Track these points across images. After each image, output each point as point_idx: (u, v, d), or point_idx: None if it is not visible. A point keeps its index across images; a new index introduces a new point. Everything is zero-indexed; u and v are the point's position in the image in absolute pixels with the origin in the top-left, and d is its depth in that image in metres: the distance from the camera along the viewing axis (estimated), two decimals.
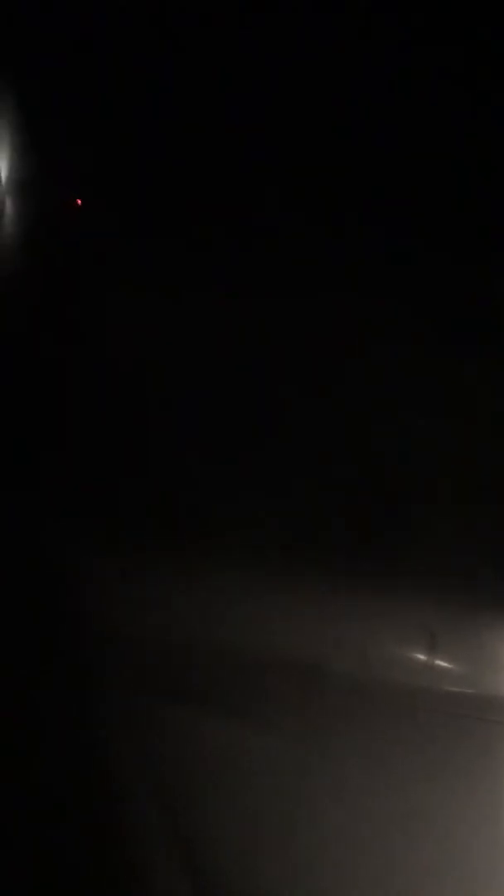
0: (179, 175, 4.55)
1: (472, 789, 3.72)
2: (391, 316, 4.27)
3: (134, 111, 4.56)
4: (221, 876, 3.65)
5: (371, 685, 3.79)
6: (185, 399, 4.44)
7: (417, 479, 4.19)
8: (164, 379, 4.46)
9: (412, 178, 4.31)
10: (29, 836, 3.58)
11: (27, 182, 4.87)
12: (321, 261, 4.37)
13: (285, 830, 3.69)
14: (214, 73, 4.44)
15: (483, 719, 3.77)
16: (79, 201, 4.83)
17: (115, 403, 4.44)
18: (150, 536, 4.12)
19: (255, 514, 4.11)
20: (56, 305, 4.67)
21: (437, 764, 3.72)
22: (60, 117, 4.65)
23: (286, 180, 4.41)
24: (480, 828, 3.69)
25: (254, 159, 4.46)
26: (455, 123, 4.25)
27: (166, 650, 3.88)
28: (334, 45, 4.22)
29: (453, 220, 4.30)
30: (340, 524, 4.07)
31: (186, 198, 4.55)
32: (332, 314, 4.34)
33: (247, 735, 3.74)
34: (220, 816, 3.71)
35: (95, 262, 4.68)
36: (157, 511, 4.16)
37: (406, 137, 4.29)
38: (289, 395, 4.35)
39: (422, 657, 3.80)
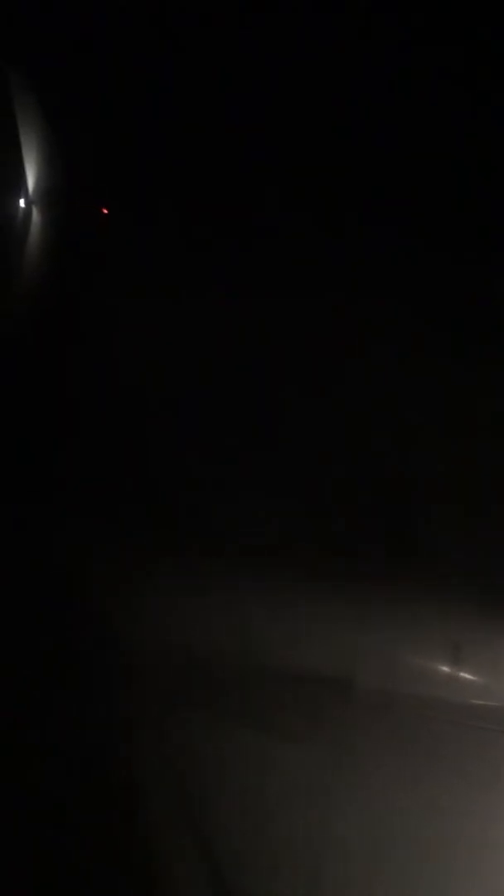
0: (182, 177, 4.55)
1: (494, 801, 3.70)
2: (391, 316, 4.27)
3: (136, 112, 4.57)
4: (241, 883, 3.64)
5: (394, 696, 3.77)
6: (192, 402, 4.44)
7: (445, 496, 4.19)
8: (173, 384, 4.46)
9: (412, 179, 4.31)
10: (33, 839, 3.57)
11: (53, 190, 4.91)
12: (321, 261, 4.38)
13: (307, 839, 3.66)
14: (215, 74, 4.43)
15: None
16: (104, 210, 4.88)
17: (125, 407, 4.44)
18: (165, 544, 4.10)
19: (283, 526, 4.12)
20: (79, 310, 4.69)
21: (459, 775, 3.68)
22: (83, 127, 4.69)
23: (286, 181, 4.41)
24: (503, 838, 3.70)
25: (254, 159, 4.46)
26: (455, 123, 4.24)
27: (193, 661, 3.84)
28: (334, 45, 4.21)
29: (453, 220, 4.30)
30: (364, 537, 4.08)
31: (190, 200, 4.55)
32: (332, 314, 4.34)
33: (270, 745, 3.70)
34: (240, 826, 3.68)
35: (111, 267, 4.70)
36: (171, 517, 4.15)
37: (406, 137, 4.28)
38: (302, 396, 4.36)
39: (445, 669, 3.81)
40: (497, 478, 4.15)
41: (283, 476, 4.24)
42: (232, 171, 4.49)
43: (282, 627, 3.90)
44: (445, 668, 3.81)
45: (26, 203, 5.05)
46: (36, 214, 5.00)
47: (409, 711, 3.77)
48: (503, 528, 4.06)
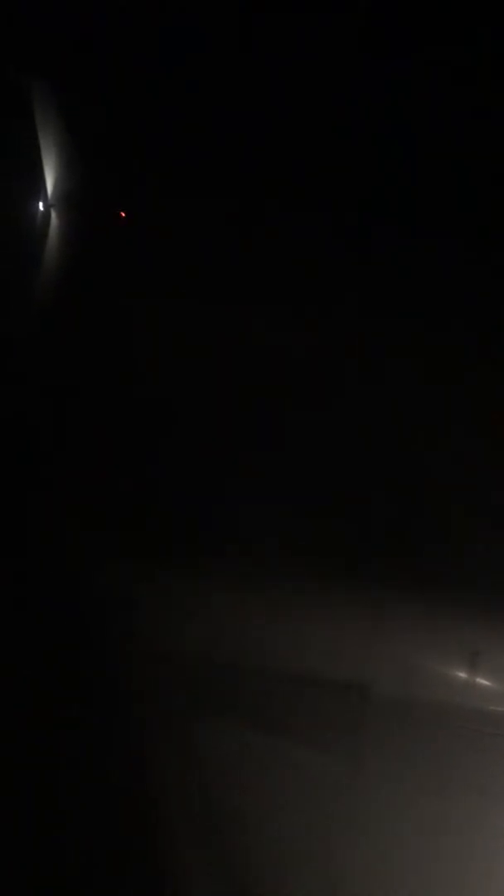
0: (201, 181, 4.58)
1: None
2: (396, 319, 4.25)
3: (155, 115, 4.61)
4: (262, 885, 3.66)
5: (412, 703, 3.77)
6: (202, 403, 4.46)
7: (460, 498, 4.16)
8: (186, 385, 4.49)
9: (416, 182, 4.28)
10: (41, 837, 3.62)
11: (72, 194, 4.99)
12: (329, 266, 4.37)
13: (325, 844, 3.67)
14: (232, 78, 4.44)
15: None
16: (122, 213, 4.95)
17: (135, 409, 4.48)
18: (188, 552, 4.11)
19: (301, 530, 4.12)
20: (95, 313, 4.75)
21: (474, 783, 3.69)
22: (102, 130, 4.75)
23: (298, 185, 4.40)
24: None
25: (270, 164, 4.46)
26: (458, 125, 4.20)
27: (207, 665, 3.87)
28: (335, 45, 4.20)
29: (458, 224, 4.26)
30: (382, 544, 4.06)
31: (208, 204, 4.57)
32: (337, 321, 4.33)
33: (288, 750, 3.74)
34: (259, 830, 3.70)
35: (128, 270, 4.75)
36: (193, 525, 4.17)
37: (417, 139, 4.25)
38: (308, 397, 4.36)
39: (463, 675, 3.80)
40: None
41: (294, 476, 4.24)
42: (250, 176, 4.51)
43: (325, 644, 3.89)
44: (462, 675, 3.78)
45: (45, 206, 5.13)
46: (55, 217, 5.08)
47: (423, 718, 3.75)
48: None
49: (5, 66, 4.91)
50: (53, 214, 5.08)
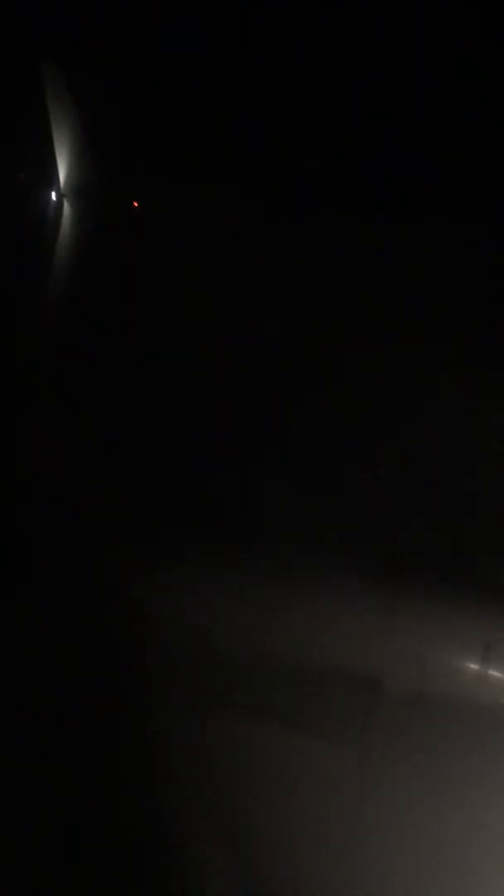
0: (213, 172, 4.57)
1: None
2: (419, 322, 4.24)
3: (169, 107, 4.60)
4: (273, 880, 3.71)
5: (427, 696, 3.82)
6: (216, 399, 4.48)
7: (469, 494, 4.15)
8: (198, 388, 4.50)
9: (432, 186, 4.23)
10: (57, 832, 3.68)
11: (84, 185, 5.03)
12: (352, 269, 4.34)
13: (340, 837, 3.71)
14: (254, 74, 4.40)
15: None
16: (135, 203, 4.99)
17: (144, 407, 4.51)
18: (203, 546, 4.14)
19: (313, 525, 4.13)
20: (107, 303, 4.78)
21: (491, 774, 3.75)
22: (115, 122, 4.76)
23: (325, 182, 4.37)
24: None
25: (286, 158, 4.45)
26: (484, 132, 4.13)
27: (221, 659, 3.92)
28: (338, 45, 4.16)
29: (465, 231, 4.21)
30: (397, 540, 4.08)
31: (219, 197, 4.57)
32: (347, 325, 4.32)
33: (304, 745, 3.78)
34: (274, 824, 3.74)
35: (139, 259, 4.78)
36: (211, 519, 4.19)
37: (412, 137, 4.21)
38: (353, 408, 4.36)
39: (476, 668, 3.81)
40: None
41: (341, 489, 4.26)
42: (257, 169, 4.50)
43: (339, 638, 3.92)
44: (474, 667, 3.83)
45: (58, 196, 5.19)
46: (67, 207, 5.13)
47: (434, 711, 3.80)
48: None
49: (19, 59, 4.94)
50: (66, 204, 5.14)
